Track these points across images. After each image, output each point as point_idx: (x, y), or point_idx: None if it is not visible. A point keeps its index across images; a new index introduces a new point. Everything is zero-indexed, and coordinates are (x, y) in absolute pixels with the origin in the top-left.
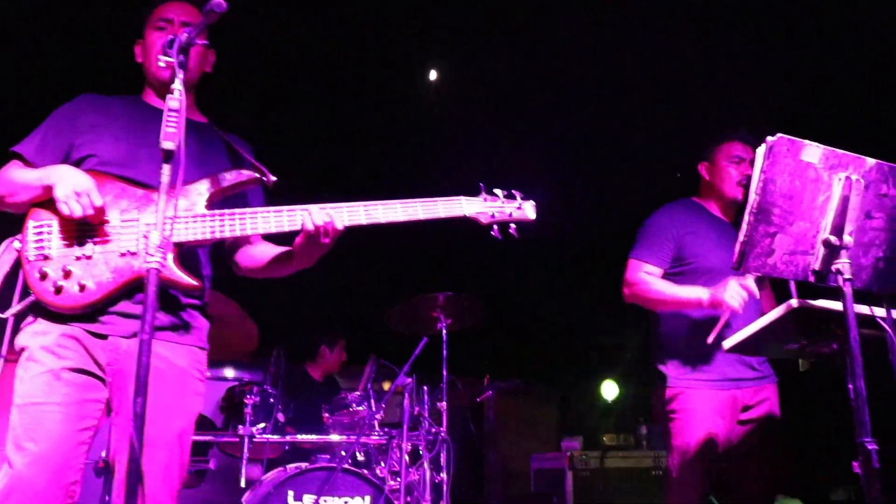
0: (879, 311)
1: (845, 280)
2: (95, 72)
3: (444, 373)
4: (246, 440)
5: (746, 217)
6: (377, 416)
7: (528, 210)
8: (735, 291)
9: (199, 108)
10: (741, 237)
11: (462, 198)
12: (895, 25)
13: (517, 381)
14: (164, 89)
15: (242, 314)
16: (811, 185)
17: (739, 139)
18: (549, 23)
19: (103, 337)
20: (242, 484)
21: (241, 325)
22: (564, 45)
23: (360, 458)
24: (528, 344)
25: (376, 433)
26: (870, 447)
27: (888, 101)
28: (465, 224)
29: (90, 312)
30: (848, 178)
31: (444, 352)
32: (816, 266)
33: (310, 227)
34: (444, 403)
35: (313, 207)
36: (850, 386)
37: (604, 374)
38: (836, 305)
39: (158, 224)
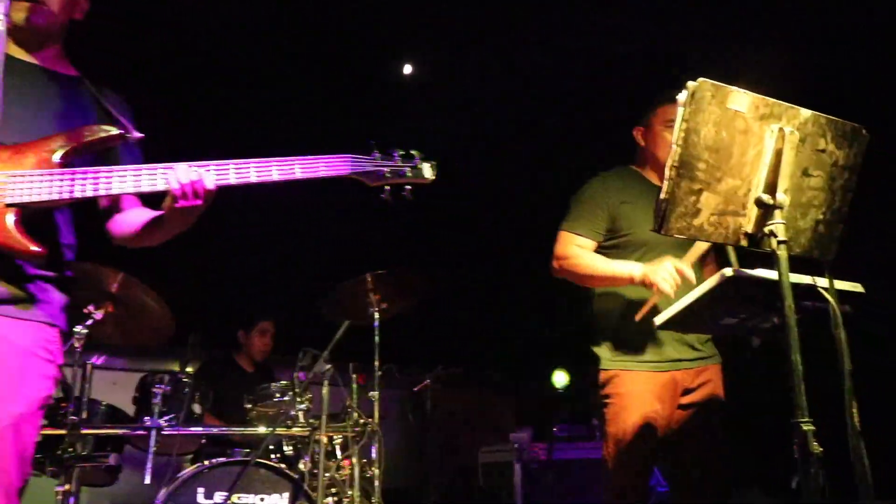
0: (825, 282)
1: (779, 243)
2: None
3: (377, 361)
4: (153, 433)
5: (667, 172)
6: (301, 407)
7: (426, 170)
8: (668, 274)
9: (69, 60)
10: (661, 194)
11: (349, 156)
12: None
13: (456, 369)
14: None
15: (158, 300)
16: (741, 138)
17: (676, 102)
18: None
19: None
20: (147, 480)
21: (155, 312)
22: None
23: (289, 451)
24: (478, 331)
25: (299, 425)
26: (805, 428)
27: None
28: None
29: None
30: (781, 129)
31: (377, 337)
32: (749, 228)
33: (175, 186)
34: (376, 393)
35: (180, 166)
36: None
37: (557, 362)
38: (774, 275)
39: None
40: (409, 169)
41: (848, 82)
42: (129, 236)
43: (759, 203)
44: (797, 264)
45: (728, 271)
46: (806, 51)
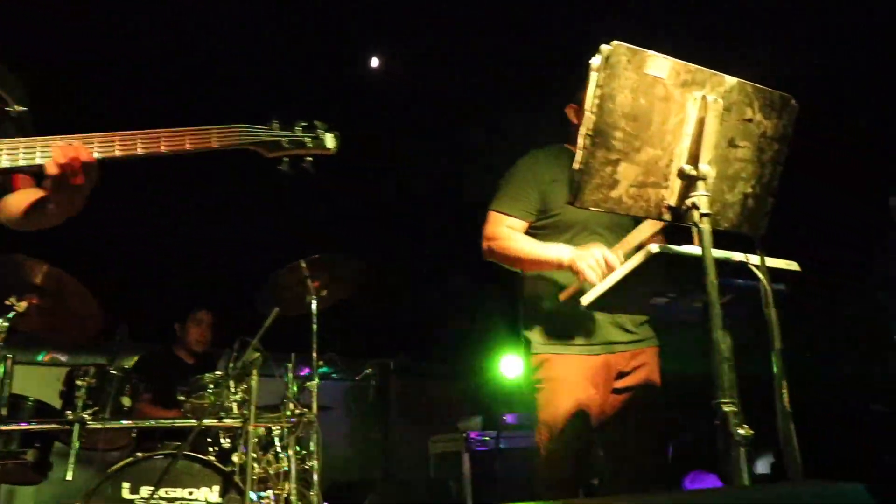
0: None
1: (702, 216)
2: None
3: (314, 349)
4: (76, 426)
5: (580, 140)
6: (236, 398)
7: (328, 140)
8: (595, 262)
9: None
10: (575, 164)
11: (240, 126)
12: None
13: (401, 357)
14: None
15: (84, 292)
16: (661, 105)
17: None
18: None
19: None
20: (68, 476)
21: (82, 305)
22: None
23: (227, 444)
24: (428, 318)
25: (232, 416)
26: (727, 409)
27: None
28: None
29: None
30: (704, 97)
31: (314, 325)
32: (672, 201)
33: (52, 164)
34: (315, 382)
35: (58, 140)
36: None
37: (506, 349)
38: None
39: None
40: (308, 139)
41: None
42: (16, 218)
43: (681, 174)
44: (733, 241)
45: (654, 247)
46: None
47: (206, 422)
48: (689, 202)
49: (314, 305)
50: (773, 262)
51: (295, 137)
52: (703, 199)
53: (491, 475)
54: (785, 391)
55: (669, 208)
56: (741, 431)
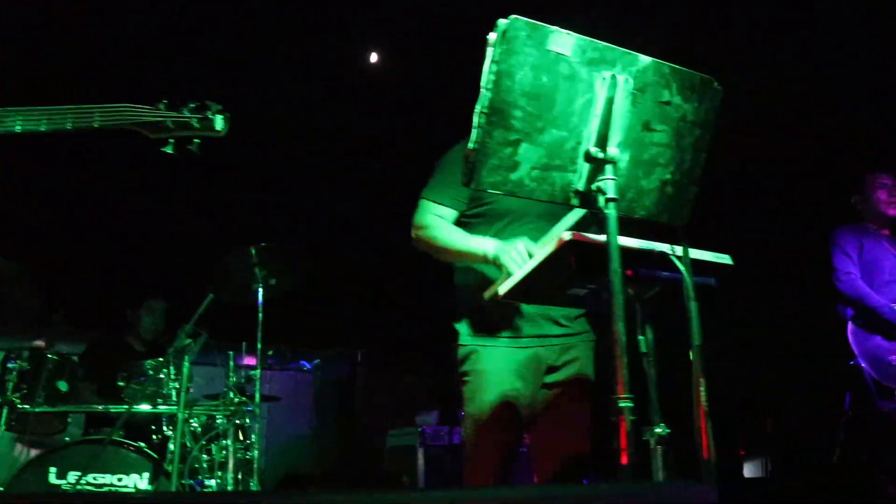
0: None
1: (608, 200)
2: None
3: (259, 338)
4: (4, 410)
5: (475, 119)
6: (175, 385)
7: (217, 122)
8: (518, 254)
9: None
10: (469, 144)
11: (122, 105)
12: None
13: (353, 349)
14: None
15: (22, 276)
16: (566, 84)
17: None
18: None
19: None
20: None
21: (19, 289)
22: None
23: (168, 431)
24: (389, 310)
25: (170, 403)
26: (622, 405)
27: None
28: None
29: None
30: (614, 76)
31: (260, 314)
32: (580, 185)
33: None
34: (258, 372)
35: None
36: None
37: None
38: (626, 240)
39: None
40: (196, 120)
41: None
42: None
43: (588, 157)
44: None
45: (566, 235)
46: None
47: (136, 408)
48: (594, 186)
49: (260, 294)
50: (700, 255)
51: (181, 119)
52: (611, 184)
53: (444, 470)
54: (703, 388)
55: (577, 193)
56: (657, 430)
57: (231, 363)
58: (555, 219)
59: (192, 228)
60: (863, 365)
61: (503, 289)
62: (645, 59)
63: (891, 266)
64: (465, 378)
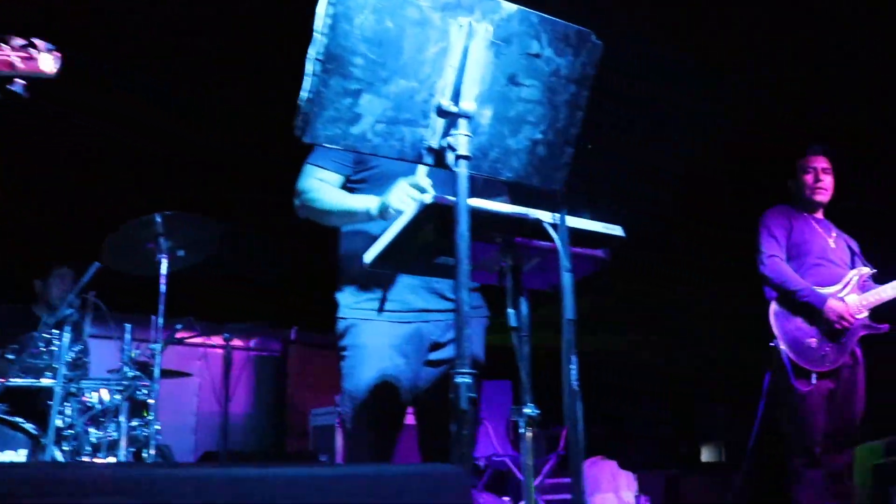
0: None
1: (459, 157)
2: None
3: (161, 310)
4: None
5: (309, 66)
6: (67, 359)
7: (45, 62)
8: (404, 194)
9: None
10: (302, 92)
11: None
12: None
13: (260, 322)
14: None
15: None
16: (415, 31)
17: None
18: None
19: None
20: None
21: None
22: None
23: (69, 410)
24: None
25: (60, 378)
26: (460, 381)
27: None
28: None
29: None
30: (471, 23)
31: (163, 286)
32: (434, 142)
33: None
34: (159, 346)
35: None
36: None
37: None
38: (498, 205)
39: None
40: (19, 59)
41: None
42: None
43: (440, 111)
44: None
45: (428, 197)
46: None
47: (11, 382)
48: (444, 143)
49: (164, 265)
50: (584, 224)
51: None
52: (463, 140)
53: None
54: (574, 366)
55: (431, 150)
56: (526, 411)
57: (127, 336)
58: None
59: (102, 193)
60: (782, 347)
61: (368, 256)
62: (509, 6)
63: (819, 249)
64: (344, 353)
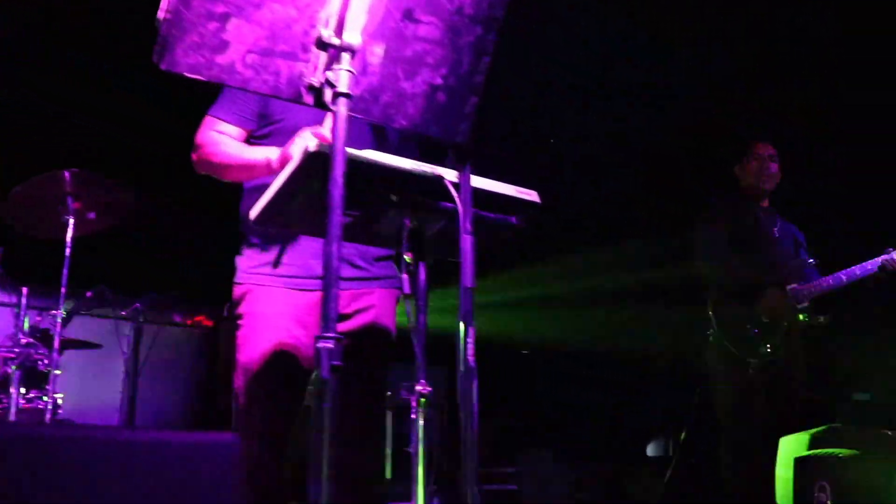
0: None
1: (337, 95)
2: None
3: (64, 277)
4: None
5: None
6: None
7: None
8: (307, 144)
9: None
10: (160, 12)
11: None
12: None
13: (174, 293)
14: None
15: None
16: None
17: None
18: None
19: None
20: None
21: None
22: None
23: None
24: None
25: None
26: (322, 346)
27: None
28: None
29: None
30: None
31: (67, 250)
32: (314, 79)
33: None
34: (61, 311)
35: None
36: None
37: None
38: (392, 158)
39: None
40: None
41: None
42: None
43: (319, 43)
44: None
45: (311, 144)
46: None
47: None
48: (323, 78)
49: (70, 228)
50: (493, 186)
51: None
52: (343, 76)
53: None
54: (471, 340)
55: (311, 88)
56: (418, 388)
57: (23, 301)
58: (362, 140)
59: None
60: (720, 336)
61: (253, 211)
62: None
63: (762, 239)
64: (239, 322)
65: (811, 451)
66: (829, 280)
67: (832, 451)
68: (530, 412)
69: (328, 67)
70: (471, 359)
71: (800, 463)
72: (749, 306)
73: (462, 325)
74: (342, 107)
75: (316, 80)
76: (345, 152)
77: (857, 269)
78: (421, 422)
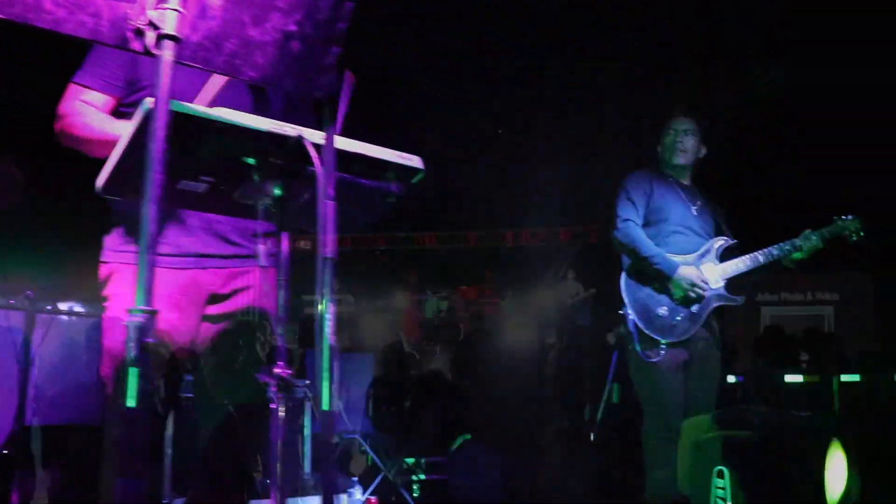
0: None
1: (162, 38)
2: None
3: None
4: None
5: None
6: None
7: None
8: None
9: None
10: None
11: None
12: None
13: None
14: None
15: None
16: None
17: None
18: None
19: None
20: None
21: None
22: None
23: None
24: None
25: None
26: (131, 320)
27: None
28: None
29: None
30: None
31: None
32: (141, 21)
33: None
34: None
35: None
36: None
37: None
38: (245, 116)
39: None
40: None
41: None
42: None
43: None
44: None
45: (148, 101)
46: None
47: None
48: (144, 20)
49: None
50: (364, 149)
51: None
52: (170, 15)
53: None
54: (329, 316)
55: (138, 32)
56: (277, 371)
57: None
58: (242, 105)
59: None
60: (630, 315)
61: (99, 181)
62: None
63: (679, 216)
64: (105, 304)
65: (711, 434)
66: (747, 260)
67: (734, 434)
68: (462, 400)
69: (156, 7)
70: (331, 337)
71: (698, 447)
72: (661, 284)
73: (321, 300)
74: (167, 51)
75: (145, 23)
76: (168, 103)
77: (773, 250)
78: (281, 411)
